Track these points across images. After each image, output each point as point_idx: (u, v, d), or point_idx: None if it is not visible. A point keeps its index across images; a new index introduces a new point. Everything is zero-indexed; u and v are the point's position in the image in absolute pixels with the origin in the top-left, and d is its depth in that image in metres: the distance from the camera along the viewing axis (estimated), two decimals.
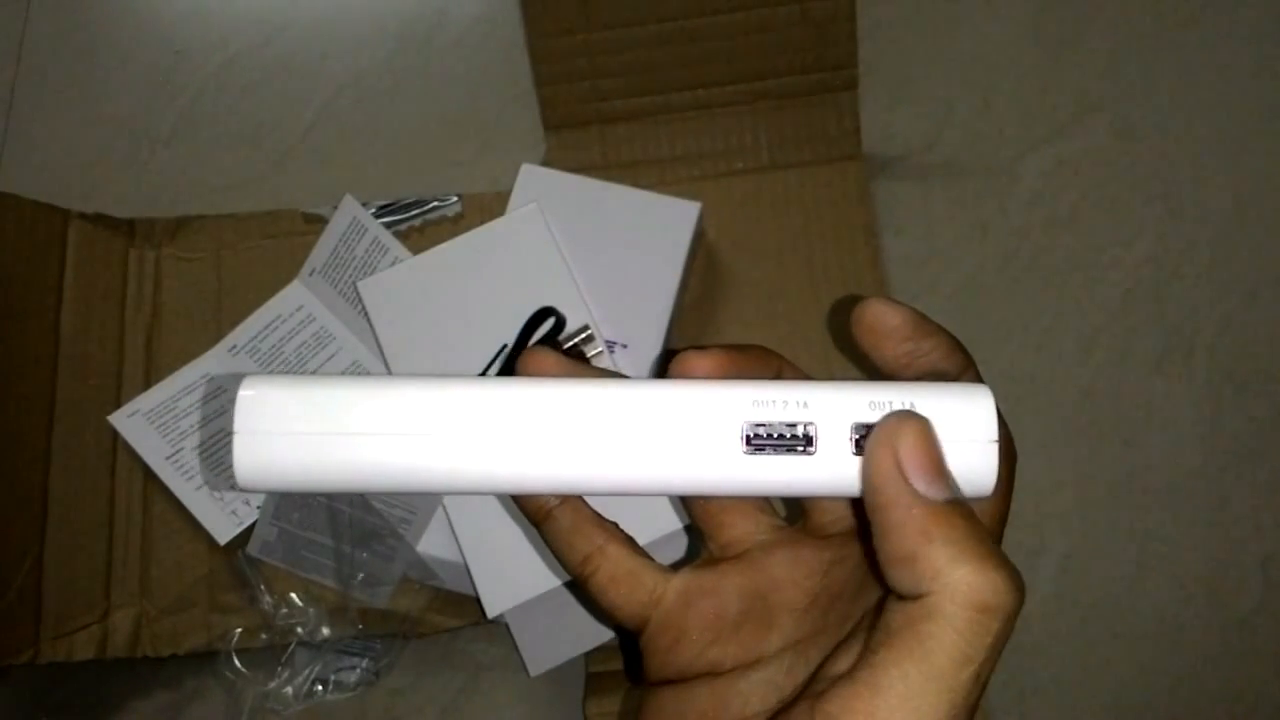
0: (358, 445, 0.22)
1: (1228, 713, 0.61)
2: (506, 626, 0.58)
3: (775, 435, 0.22)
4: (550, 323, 0.57)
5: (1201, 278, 0.67)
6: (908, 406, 0.21)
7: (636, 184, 0.61)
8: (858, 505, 0.26)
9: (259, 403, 0.22)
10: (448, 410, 0.22)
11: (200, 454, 0.63)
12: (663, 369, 0.32)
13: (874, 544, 0.20)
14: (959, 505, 0.20)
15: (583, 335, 0.57)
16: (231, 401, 0.64)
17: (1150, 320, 0.67)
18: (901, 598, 0.20)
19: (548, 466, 0.22)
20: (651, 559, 0.27)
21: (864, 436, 0.21)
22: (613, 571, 0.26)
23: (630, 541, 0.27)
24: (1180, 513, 0.64)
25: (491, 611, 0.55)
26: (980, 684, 0.19)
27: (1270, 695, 0.61)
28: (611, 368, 0.58)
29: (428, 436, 0.22)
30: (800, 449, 0.22)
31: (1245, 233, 0.67)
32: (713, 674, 0.25)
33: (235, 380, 0.20)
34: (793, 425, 0.22)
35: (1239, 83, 0.70)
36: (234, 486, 0.62)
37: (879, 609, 0.21)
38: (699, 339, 0.64)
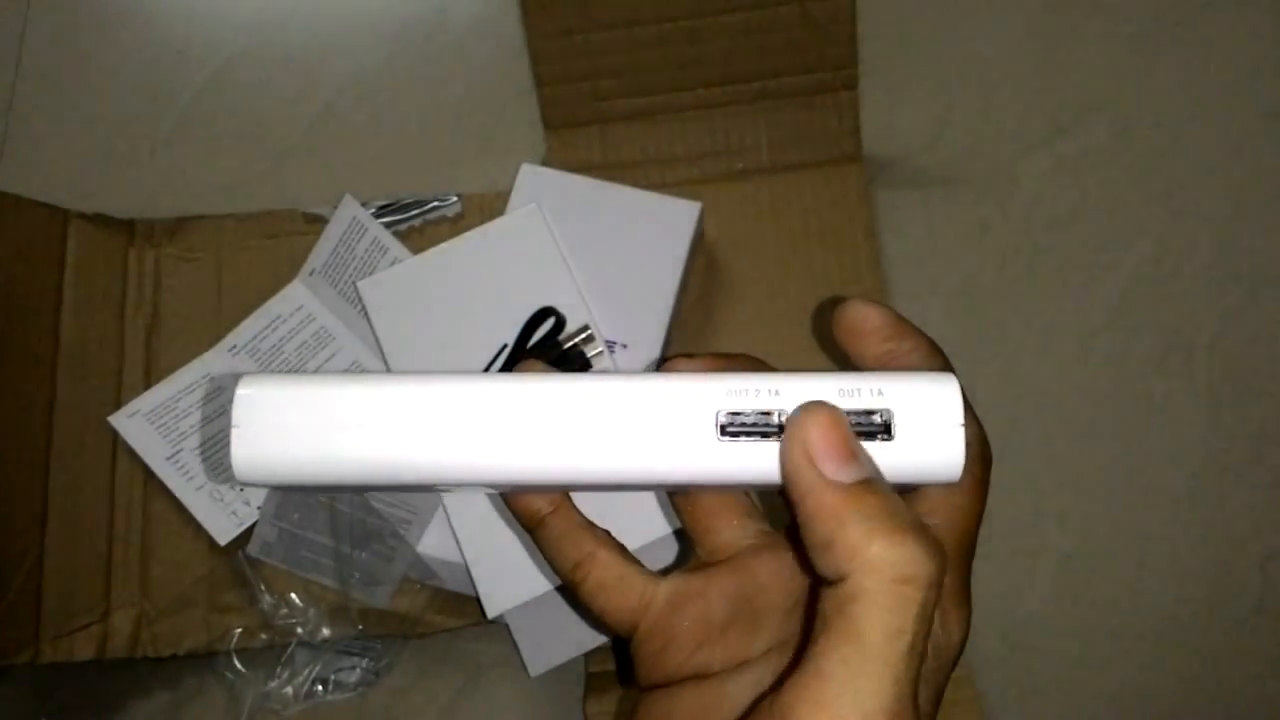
0: (348, 439, 0.22)
1: (1228, 713, 0.61)
2: (506, 626, 0.58)
3: (749, 422, 0.22)
4: (550, 323, 0.57)
5: (1201, 278, 0.67)
6: (876, 393, 0.22)
7: (636, 184, 0.61)
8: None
9: (256, 399, 0.23)
10: (435, 405, 0.22)
11: (200, 454, 0.63)
12: None
13: (802, 537, 0.21)
14: (871, 484, 0.20)
15: (583, 335, 0.57)
16: (231, 402, 0.64)
17: (1150, 320, 0.66)
18: (830, 584, 0.20)
19: (533, 457, 0.22)
20: (641, 565, 0.27)
21: None
22: (603, 577, 0.27)
23: (620, 548, 0.27)
24: (1180, 513, 0.64)
25: (491, 612, 0.55)
26: (918, 654, 0.20)
27: (1270, 695, 0.61)
28: (612, 368, 0.58)
29: (415, 430, 0.22)
30: (774, 435, 0.22)
31: (1245, 233, 0.67)
32: (701, 676, 0.25)
33: (235, 380, 0.21)
34: (766, 413, 0.22)
35: (1239, 83, 0.70)
36: (233, 482, 0.62)
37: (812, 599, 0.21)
38: (699, 339, 0.64)
